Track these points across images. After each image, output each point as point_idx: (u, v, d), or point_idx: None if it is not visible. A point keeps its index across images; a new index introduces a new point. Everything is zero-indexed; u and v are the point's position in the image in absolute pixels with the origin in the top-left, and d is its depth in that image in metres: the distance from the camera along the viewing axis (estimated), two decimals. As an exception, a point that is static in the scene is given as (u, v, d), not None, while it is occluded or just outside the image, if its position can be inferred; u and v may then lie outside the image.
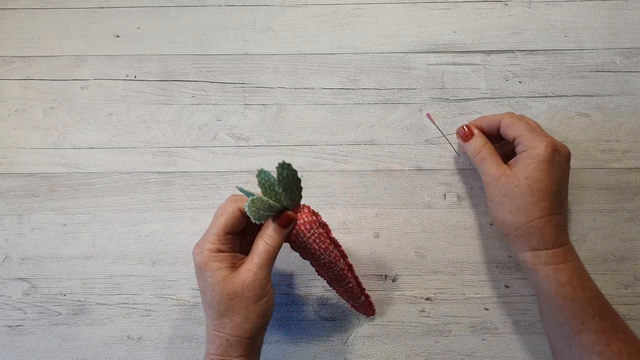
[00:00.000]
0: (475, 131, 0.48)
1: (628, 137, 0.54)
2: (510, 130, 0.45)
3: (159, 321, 0.52)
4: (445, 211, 0.53)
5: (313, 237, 0.42)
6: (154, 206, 0.53)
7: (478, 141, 0.47)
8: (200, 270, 0.40)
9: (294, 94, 0.55)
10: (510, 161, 0.45)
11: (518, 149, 0.45)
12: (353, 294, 0.47)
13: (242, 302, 0.40)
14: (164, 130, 0.55)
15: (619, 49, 0.55)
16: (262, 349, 0.44)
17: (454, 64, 0.56)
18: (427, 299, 0.52)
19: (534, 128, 0.45)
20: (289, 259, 0.53)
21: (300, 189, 0.41)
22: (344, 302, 0.51)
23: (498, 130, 0.47)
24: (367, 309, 0.50)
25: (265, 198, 0.40)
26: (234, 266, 0.41)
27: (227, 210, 0.41)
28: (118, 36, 0.57)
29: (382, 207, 0.53)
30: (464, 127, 0.48)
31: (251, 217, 0.40)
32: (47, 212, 0.53)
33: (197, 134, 0.55)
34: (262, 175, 0.39)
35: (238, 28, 0.57)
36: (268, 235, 0.41)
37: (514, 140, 0.45)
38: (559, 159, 0.43)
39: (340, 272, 0.45)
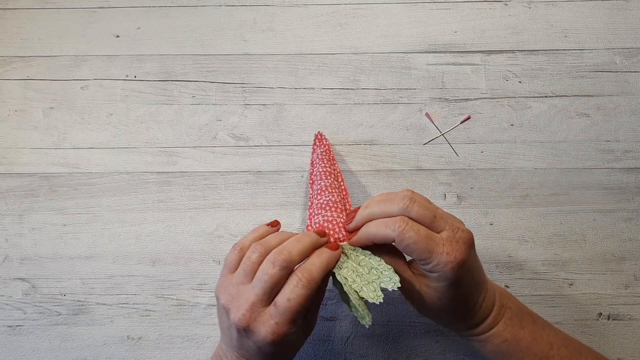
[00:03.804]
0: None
1: (628, 137, 0.54)
2: (409, 253, 0.39)
3: (159, 321, 0.52)
4: (445, 211, 0.53)
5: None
6: (154, 206, 0.53)
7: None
8: (274, 349, 0.39)
9: (294, 94, 0.55)
10: (416, 273, 0.41)
11: (424, 269, 0.39)
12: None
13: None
14: (164, 130, 0.55)
15: (619, 49, 0.55)
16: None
17: (454, 64, 0.56)
18: (427, 299, 0.52)
19: (431, 241, 0.38)
20: (289, 259, 0.53)
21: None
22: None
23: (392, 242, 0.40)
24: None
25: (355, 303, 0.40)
26: None
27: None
28: (118, 36, 0.57)
29: (382, 207, 0.53)
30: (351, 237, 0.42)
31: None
32: (47, 212, 0.53)
33: (197, 134, 0.55)
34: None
35: (238, 28, 0.57)
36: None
37: (422, 260, 0.39)
38: (467, 265, 0.39)
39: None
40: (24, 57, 0.56)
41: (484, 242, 0.53)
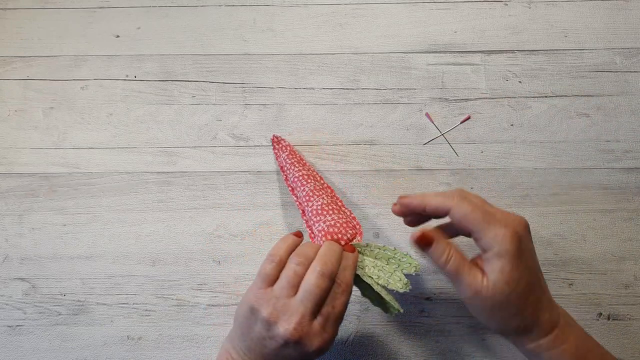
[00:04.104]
0: (434, 235, 0.41)
1: (628, 137, 0.54)
2: (465, 224, 0.39)
3: (159, 321, 0.52)
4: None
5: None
6: (154, 206, 0.53)
7: (440, 249, 0.41)
8: (321, 353, 0.40)
9: (294, 94, 0.55)
10: (479, 262, 0.40)
11: (480, 244, 0.39)
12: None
13: None
14: (164, 130, 0.55)
15: (619, 49, 0.55)
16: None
17: (454, 64, 0.56)
18: (427, 299, 0.52)
19: (488, 213, 0.39)
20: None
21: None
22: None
23: (446, 213, 0.41)
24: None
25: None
26: None
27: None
28: (118, 36, 0.57)
29: (382, 207, 0.53)
30: (419, 233, 0.41)
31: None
32: (47, 212, 0.53)
33: (197, 134, 0.55)
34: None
35: (238, 28, 0.57)
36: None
37: (471, 233, 0.39)
38: (525, 242, 0.39)
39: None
40: (24, 57, 0.56)
41: (484, 242, 0.53)
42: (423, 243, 0.41)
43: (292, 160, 0.50)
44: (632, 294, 0.52)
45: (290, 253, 0.43)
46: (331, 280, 0.40)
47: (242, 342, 0.41)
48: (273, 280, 0.41)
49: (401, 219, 0.46)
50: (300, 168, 0.50)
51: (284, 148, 0.52)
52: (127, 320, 0.52)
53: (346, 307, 0.41)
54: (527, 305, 0.39)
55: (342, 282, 0.41)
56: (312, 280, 0.40)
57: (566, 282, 0.52)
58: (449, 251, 0.40)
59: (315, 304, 0.39)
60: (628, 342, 0.51)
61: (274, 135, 0.53)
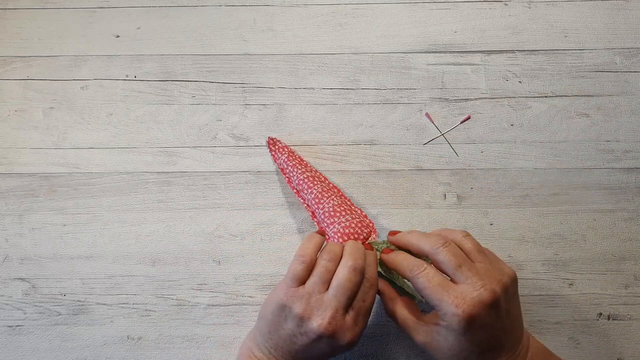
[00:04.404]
0: (381, 288, 0.45)
1: (628, 137, 0.54)
2: (423, 296, 0.41)
3: (159, 321, 0.52)
4: (445, 211, 0.53)
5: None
6: (154, 206, 0.53)
7: (385, 300, 0.44)
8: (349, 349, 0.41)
9: (294, 94, 0.55)
10: (432, 319, 0.41)
11: (437, 311, 0.40)
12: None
13: None
14: (164, 130, 0.55)
15: (619, 49, 0.55)
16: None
17: (454, 64, 0.56)
18: (427, 299, 0.52)
19: (443, 290, 0.39)
20: (288, 259, 0.52)
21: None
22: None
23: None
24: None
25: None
26: None
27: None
28: (118, 36, 0.57)
29: (382, 207, 0.53)
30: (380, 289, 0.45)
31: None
32: (47, 212, 0.53)
33: (197, 134, 0.55)
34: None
35: (238, 28, 0.57)
36: None
37: (432, 306, 0.40)
38: (480, 321, 0.38)
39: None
40: (24, 57, 0.56)
41: (484, 242, 0.52)
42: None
43: (294, 163, 0.50)
44: (632, 294, 0.52)
45: (317, 251, 0.44)
46: (362, 274, 0.42)
47: (268, 340, 0.42)
48: (303, 279, 0.42)
49: (400, 219, 0.50)
50: (304, 170, 0.50)
51: (281, 150, 0.52)
52: (127, 320, 0.52)
53: (374, 301, 0.42)
54: None
55: (370, 277, 0.42)
56: (344, 275, 0.41)
57: (566, 282, 0.52)
58: (394, 306, 0.44)
59: (347, 298, 0.41)
60: (628, 342, 0.51)
61: (269, 138, 0.53)
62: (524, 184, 0.53)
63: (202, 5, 0.57)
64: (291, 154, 0.52)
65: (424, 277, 0.40)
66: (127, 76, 0.56)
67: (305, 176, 0.49)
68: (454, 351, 0.39)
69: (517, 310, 0.42)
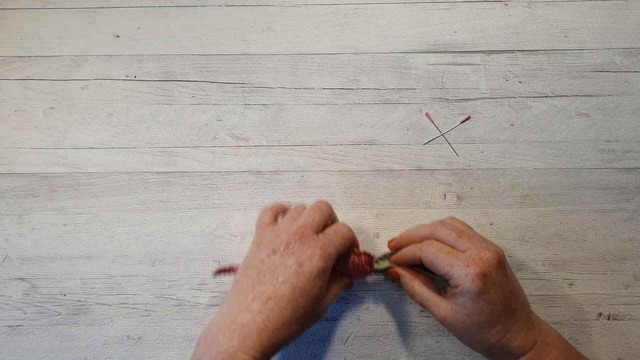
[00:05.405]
0: (400, 272, 0.46)
1: (628, 137, 0.54)
2: (433, 268, 0.42)
3: (159, 321, 0.52)
4: (445, 211, 0.53)
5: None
6: (154, 206, 0.53)
7: (406, 282, 0.45)
8: (314, 275, 0.40)
9: (294, 94, 0.55)
10: (449, 293, 0.43)
11: (450, 282, 0.42)
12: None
13: (312, 320, 0.42)
14: (164, 130, 0.55)
15: (619, 49, 0.55)
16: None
17: (454, 64, 0.56)
18: (427, 299, 0.52)
19: (453, 255, 0.41)
20: (289, 259, 0.53)
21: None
22: (344, 302, 0.52)
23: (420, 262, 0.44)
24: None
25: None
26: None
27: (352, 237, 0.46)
28: (118, 36, 0.57)
29: (382, 207, 0.53)
30: (392, 270, 0.47)
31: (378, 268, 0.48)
32: (47, 212, 0.53)
33: (197, 134, 0.55)
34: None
35: (238, 28, 0.57)
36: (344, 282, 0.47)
37: (445, 274, 0.42)
38: (492, 278, 0.40)
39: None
40: (24, 57, 0.56)
41: (484, 242, 0.53)
42: (393, 276, 0.47)
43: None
44: (632, 294, 0.52)
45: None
46: (330, 210, 0.45)
47: (240, 296, 0.41)
48: (272, 222, 0.46)
49: (400, 219, 0.51)
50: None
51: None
52: (127, 320, 0.52)
53: (345, 248, 0.44)
54: (490, 333, 0.41)
55: (344, 224, 0.46)
56: (314, 207, 0.45)
57: (566, 282, 0.52)
58: (413, 284, 0.45)
59: (320, 217, 0.43)
60: (628, 342, 0.51)
61: None
62: (524, 184, 0.53)
63: (202, 5, 0.57)
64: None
65: (433, 248, 0.42)
66: (127, 76, 0.56)
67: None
68: (473, 317, 0.40)
69: (516, 279, 0.44)
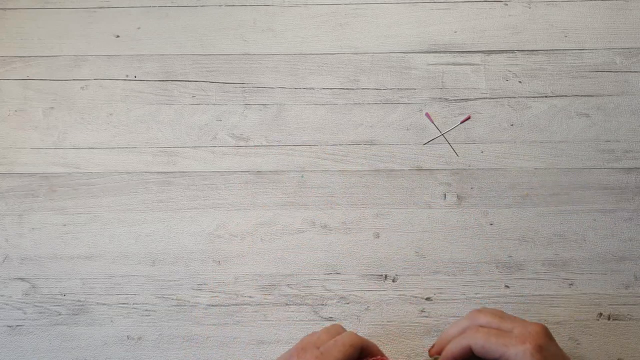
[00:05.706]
0: None
1: (628, 137, 0.54)
2: (486, 355, 0.41)
3: (159, 321, 0.52)
4: (445, 211, 0.53)
5: None
6: (154, 206, 0.53)
7: None
8: None
9: (294, 94, 0.55)
10: None
11: None
12: None
13: None
14: (164, 130, 0.55)
15: (619, 49, 0.55)
16: (261, 350, 0.44)
17: (454, 64, 0.56)
18: (427, 299, 0.52)
19: (504, 335, 0.41)
20: (288, 259, 0.53)
21: None
22: (344, 302, 0.52)
23: (470, 353, 0.43)
24: None
25: None
26: None
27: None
28: (118, 36, 0.57)
29: (382, 207, 0.53)
30: None
31: None
32: (47, 212, 0.53)
33: (197, 134, 0.55)
34: None
35: (238, 28, 0.57)
36: None
37: (501, 356, 0.41)
38: (548, 349, 0.40)
39: None
40: (24, 57, 0.56)
41: (484, 242, 0.53)
42: None
43: None
44: (632, 294, 0.52)
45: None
46: (336, 333, 0.44)
47: None
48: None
49: (400, 219, 0.50)
50: None
51: None
52: (127, 320, 0.52)
53: (347, 354, 0.42)
54: None
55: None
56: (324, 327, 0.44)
57: (566, 282, 0.52)
58: None
59: (326, 334, 0.43)
60: (628, 342, 0.51)
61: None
62: (524, 184, 0.53)
63: (202, 5, 0.57)
64: None
65: (480, 334, 0.41)
66: (127, 76, 0.56)
67: None
68: None
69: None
